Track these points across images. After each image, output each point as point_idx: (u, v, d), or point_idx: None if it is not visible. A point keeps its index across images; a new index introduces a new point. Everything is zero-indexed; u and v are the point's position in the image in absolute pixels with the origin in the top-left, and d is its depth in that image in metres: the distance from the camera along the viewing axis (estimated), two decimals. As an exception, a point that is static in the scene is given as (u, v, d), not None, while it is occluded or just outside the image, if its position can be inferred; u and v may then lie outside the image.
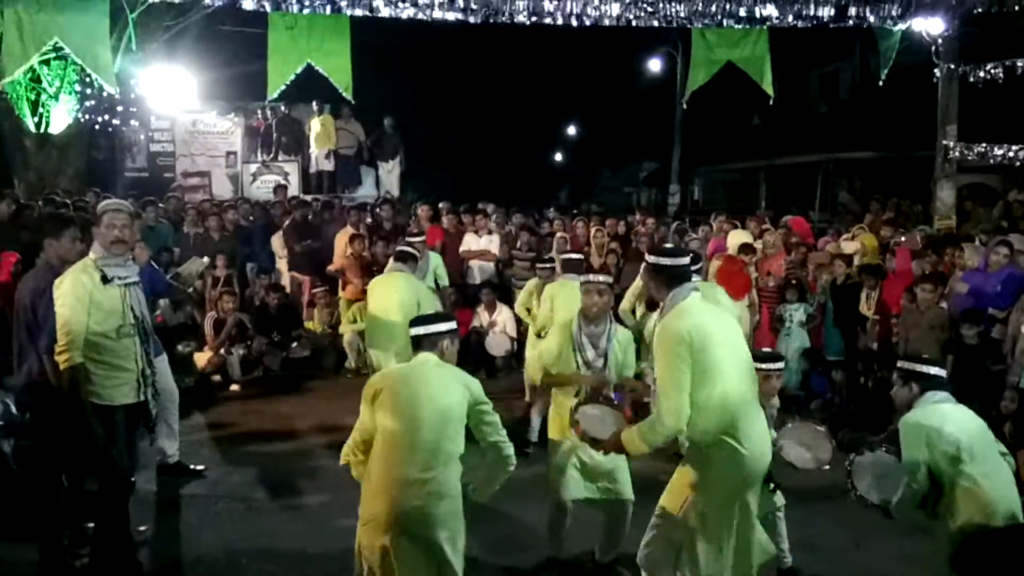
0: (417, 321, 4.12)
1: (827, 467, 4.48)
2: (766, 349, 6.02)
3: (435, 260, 9.28)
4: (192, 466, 6.64)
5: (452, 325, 4.08)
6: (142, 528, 5.20)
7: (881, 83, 12.23)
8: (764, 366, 4.62)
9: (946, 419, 4.00)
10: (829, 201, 20.02)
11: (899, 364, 4.30)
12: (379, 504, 3.68)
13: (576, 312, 4.93)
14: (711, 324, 3.77)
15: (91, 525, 4.84)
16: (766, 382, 4.60)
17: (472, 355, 9.47)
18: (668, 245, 3.96)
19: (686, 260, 4.03)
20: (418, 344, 3.99)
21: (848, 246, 10.14)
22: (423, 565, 3.67)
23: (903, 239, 9.79)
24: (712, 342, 3.70)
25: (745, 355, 3.91)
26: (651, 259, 4.01)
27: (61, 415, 4.53)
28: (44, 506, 4.87)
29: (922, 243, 9.56)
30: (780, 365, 4.99)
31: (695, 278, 6.92)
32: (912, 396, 4.16)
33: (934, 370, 4.20)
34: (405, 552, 3.63)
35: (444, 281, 9.44)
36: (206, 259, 7.40)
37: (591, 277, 4.91)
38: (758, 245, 9.69)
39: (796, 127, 24.06)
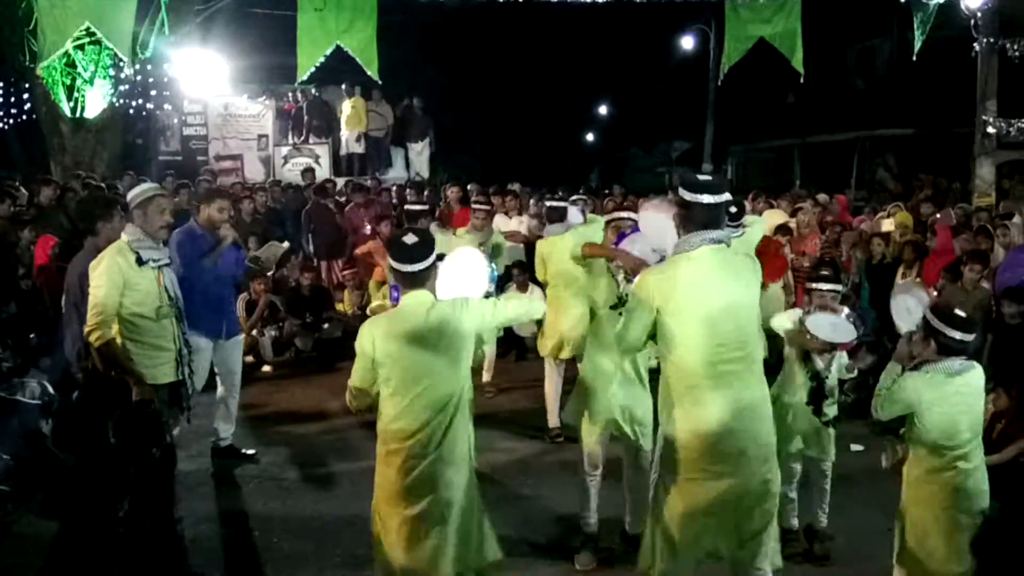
0: (407, 256, 3.53)
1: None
2: (823, 272, 5.45)
3: (498, 238, 8.45)
4: (244, 451, 6.59)
5: (435, 250, 3.62)
6: (175, 507, 5.26)
7: (915, 58, 11.97)
8: (815, 286, 4.98)
9: (944, 401, 3.81)
10: (866, 179, 19.71)
11: (926, 316, 3.95)
12: (387, 471, 3.48)
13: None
14: (694, 282, 3.31)
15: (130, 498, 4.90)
16: (820, 300, 4.89)
17: (503, 336, 9.38)
18: (704, 177, 3.48)
19: (720, 199, 3.38)
20: (411, 281, 3.57)
21: (884, 224, 9.97)
22: (432, 536, 3.40)
23: (938, 216, 9.62)
24: (683, 306, 3.29)
25: (731, 326, 3.33)
26: (683, 193, 3.40)
27: (111, 394, 4.58)
28: (88, 484, 4.98)
29: (957, 220, 9.37)
30: (831, 286, 4.96)
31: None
32: (926, 352, 3.88)
33: (958, 334, 3.80)
34: (412, 521, 3.39)
35: (502, 260, 8.35)
36: (286, 244, 7.32)
37: (617, 215, 5.09)
38: (792, 224, 9.55)
39: (832, 104, 23.62)
